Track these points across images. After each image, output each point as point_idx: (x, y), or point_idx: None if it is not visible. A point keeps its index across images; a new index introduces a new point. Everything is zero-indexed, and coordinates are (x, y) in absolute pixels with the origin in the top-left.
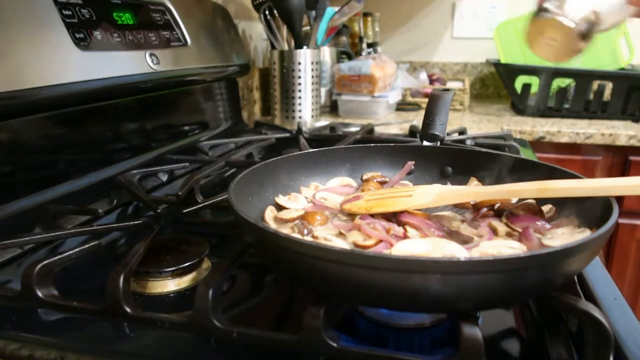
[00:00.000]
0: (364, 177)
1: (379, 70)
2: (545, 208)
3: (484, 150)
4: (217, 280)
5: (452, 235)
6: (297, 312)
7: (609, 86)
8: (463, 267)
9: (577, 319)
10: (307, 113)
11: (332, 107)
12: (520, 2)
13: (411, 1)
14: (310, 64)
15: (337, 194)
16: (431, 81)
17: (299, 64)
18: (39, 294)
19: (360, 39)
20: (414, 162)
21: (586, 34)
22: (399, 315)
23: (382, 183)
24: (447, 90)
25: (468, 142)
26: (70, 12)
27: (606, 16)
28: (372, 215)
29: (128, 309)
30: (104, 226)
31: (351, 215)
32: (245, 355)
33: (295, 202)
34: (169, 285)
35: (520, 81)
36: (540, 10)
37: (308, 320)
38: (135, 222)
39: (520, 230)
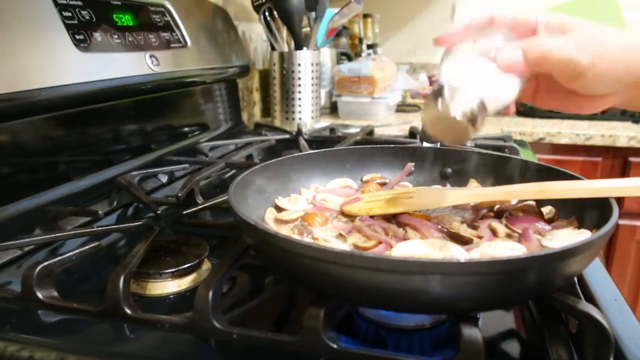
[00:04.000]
0: (364, 178)
1: (378, 72)
2: (545, 209)
3: (484, 151)
4: (217, 282)
5: (452, 236)
6: (297, 313)
7: None
8: (463, 269)
9: (577, 320)
10: (307, 114)
11: (332, 109)
12: (520, 3)
13: (411, 2)
14: (310, 65)
15: (337, 195)
16: (431, 82)
17: (299, 65)
18: (39, 295)
19: (360, 41)
20: (413, 164)
21: (473, 123)
22: (399, 317)
23: (382, 184)
24: None
25: (468, 143)
26: (70, 14)
27: (493, 102)
28: (372, 217)
29: (128, 311)
30: (104, 227)
31: (351, 217)
32: (245, 356)
33: (295, 204)
34: (169, 286)
35: None
36: (434, 96)
37: (308, 322)
38: (136, 224)
39: (520, 231)
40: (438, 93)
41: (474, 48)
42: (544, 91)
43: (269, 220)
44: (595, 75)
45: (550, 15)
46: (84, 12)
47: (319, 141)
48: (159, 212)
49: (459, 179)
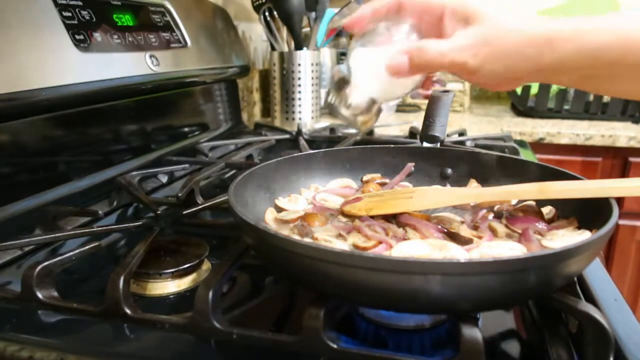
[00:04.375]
0: (364, 178)
1: None
2: (545, 209)
3: (484, 151)
4: (217, 282)
5: (452, 236)
6: (297, 313)
7: None
8: (463, 269)
9: (577, 320)
10: (307, 114)
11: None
12: (520, 3)
13: None
14: (310, 65)
15: (337, 195)
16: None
17: (299, 65)
18: (39, 295)
19: None
20: (413, 164)
21: (365, 115)
22: (399, 317)
23: (382, 184)
24: (447, 91)
25: (468, 143)
26: (70, 14)
27: (386, 95)
28: (372, 217)
29: (128, 311)
30: (104, 228)
31: (351, 217)
32: (245, 356)
33: (295, 204)
34: (169, 286)
35: None
36: (333, 94)
37: (308, 322)
38: (135, 224)
39: (520, 231)
40: (338, 84)
41: (376, 38)
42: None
43: (269, 221)
44: (489, 73)
45: (457, 3)
46: (84, 12)
47: (319, 141)
48: (159, 212)
49: (459, 179)
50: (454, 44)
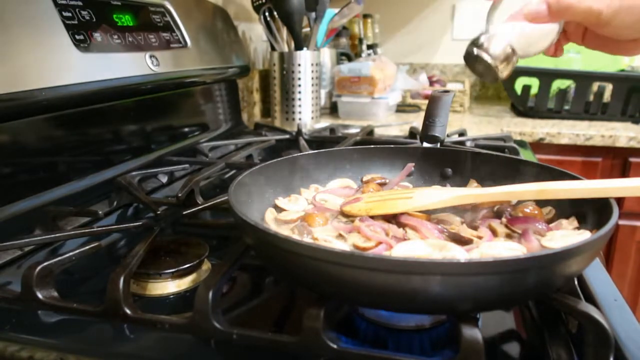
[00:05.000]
0: (364, 178)
1: (379, 72)
2: (545, 209)
3: (484, 151)
4: (217, 282)
5: (452, 236)
6: (297, 313)
7: (609, 88)
8: (463, 269)
9: (577, 320)
10: (307, 115)
11: (332, 109)
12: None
13: (411, 3)
14: (310, 65)
15: (337, 195)
16: (431, 83)
17: (299, 65)
18: (39, 295)
19: (360, 41)
20: (413, 164)
21: (504, 65)
22: (399, 317)
23: (382, 185)
24: (447, 91)
25: (468, 143)
26: (70, 14)
27: (524, 47)
28: (372, 217)
29: (128, 311)
30: (104, 228)
31: (351, 217)
32: (245, 356)
33: (295, 204)
34: (169, 286)
35: (520, 83)
36: (472, 45)
37: (308, 322)
38: (135, 224)
39: (520, 231)
40: (477, 39)
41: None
42: (590, 32)
43: (269, 221)
44: (620, 24)
45: None
46: (84, 13)
47: (319, 141)
48: (159, 212)
49: (459, 179)
50: None
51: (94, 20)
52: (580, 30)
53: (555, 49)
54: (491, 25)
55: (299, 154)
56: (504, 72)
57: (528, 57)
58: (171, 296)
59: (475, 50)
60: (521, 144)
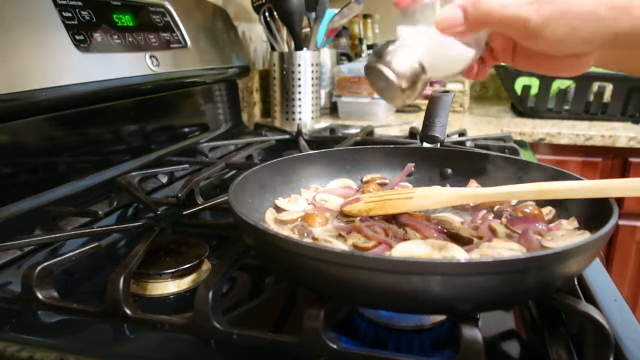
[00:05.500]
0: (364, 178)
1: None
2: (545, 210)
3: (484, 152)
4: (217, 282)
5: (452, 237)
6: (297, 313)
7: (609, 88)
8: (463, 269)
9: (577, 320)
10: (307, 115)
11: (332, 109)
12: None
13: None
14: (310, 65)
15: (337, 195)
16: (431, 83)
17: (299, 65)
18: (39, 295)
19: (360, 41)
20: (413, 164)
21: (410, 86)
22: (399, 317)
23: (382, 185)
24: (447, 92)
25: (468, 143)
26: (70, 14)
27: (437, 66)
28: (372, 217)
29: (128, 311)
30: (104, 228)
31: (351, 217)
32: (245, 357)
33: (295, 204)
34: (169, 287)
35: (520, 83)
36: (374, 56)
37: (308, 322)
38: (135, 224)
39: (520, 231)
40: (382, 49)
41: (424, 14)
42: (521, 51)
43: (269, 221)
44: (552, 35)
45: None
46: (84, 13)
47: (319, 142)
48: (158, 212)
49: (459, 179)
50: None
51: (94, 20)
52: (510, 45)
53: (478, 71)
54: (403, 35)
55: (299, 154)
56: (409, 94)
57: (441, 78)
58: (171, 296)
59: (376, 63)
60: (521, 144)
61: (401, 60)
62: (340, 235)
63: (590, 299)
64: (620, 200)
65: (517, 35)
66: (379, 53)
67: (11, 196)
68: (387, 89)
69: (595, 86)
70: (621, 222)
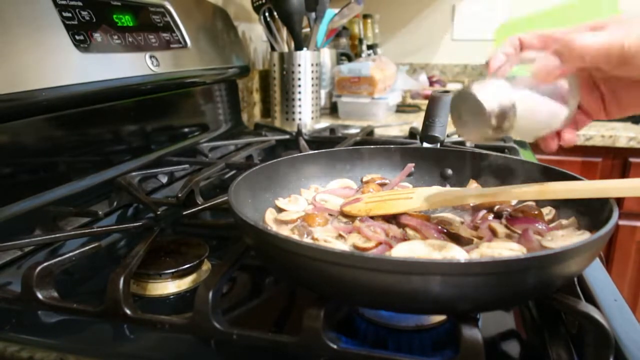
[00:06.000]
0: (364, 179)
1: (378, 72)
2: (545, 210)
3: (484, 152)
4: (217, 282)
5: (452, 237)
6: (297, 313)
7: None
8: (463, 269)
9: (577, 320)
10: (307, 115)
11: (332, 109)
12: (521, 3)
13: (411, 3)
14: (310, 65)
15: (337, 196)
16: (431, 83)
17: (299, 65)
18: (39, 295)
19: (360, 41)
20: (413, 164)
21: (498, 119)
22: (399, 317)
23: (382, 185)
24: (447, 92)
25: (468, 143)
26: (70, 14)
27: (528, 116)
28: (372, 217)
29: (128, 311)
30: (104, 228)
31: (351, 218)
32: (245, 357)
33: (295, 204)
34: (169, 287)
35: None
36: (471, 85)
37: (308, 322)
38: (135, 224)
39: (519, 232)
40: (472, 83)
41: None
42: (611, 96)
43: (269, 221)
44: None
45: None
46: (83, 13)
47: (318, 142)
48: (159, 212)
49: (459, 179)
50: (603, 31)
51: (94, 20)
52: (599, 100)
53: (570, 133)
54: (499, 83)
55: (299, 154)
56: (493, 128)
57: (532, 135)
58: (171, 296)
59: (470, 89)
60: (521, 144)
61: (497, 91)
62: (340, 236)
63: (590, 299)
64: (620, 200)
65: (613, 63)
66: (472, 83)
67: (11, 196)
68: (474, 117)
69: None
70: (621, 222)
